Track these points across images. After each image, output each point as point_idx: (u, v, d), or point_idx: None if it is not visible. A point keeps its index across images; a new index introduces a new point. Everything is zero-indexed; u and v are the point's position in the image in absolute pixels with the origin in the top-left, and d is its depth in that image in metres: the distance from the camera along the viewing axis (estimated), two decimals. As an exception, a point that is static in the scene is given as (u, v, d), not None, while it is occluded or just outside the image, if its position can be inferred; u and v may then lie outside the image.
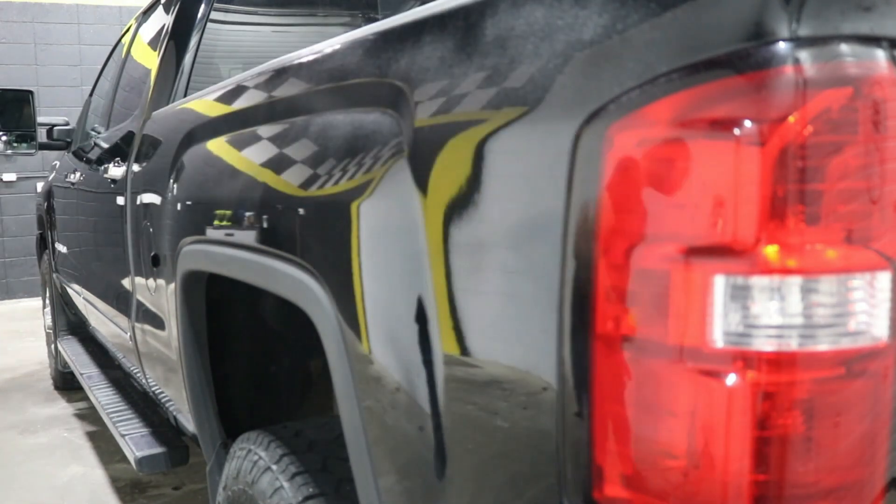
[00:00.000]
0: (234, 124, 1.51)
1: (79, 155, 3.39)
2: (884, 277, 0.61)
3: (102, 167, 2.64)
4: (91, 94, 4.00)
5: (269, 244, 1.26)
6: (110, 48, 3.82)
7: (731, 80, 0.59)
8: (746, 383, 0.60)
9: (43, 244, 4.63)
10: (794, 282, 0.59)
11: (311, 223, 1.13)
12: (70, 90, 7.31)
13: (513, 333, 0.77)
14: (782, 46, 0.58)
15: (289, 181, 1.20)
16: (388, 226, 0.94)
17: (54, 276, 4.16)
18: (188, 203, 1.68)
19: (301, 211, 1.16)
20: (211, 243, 1.51)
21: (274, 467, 1.32)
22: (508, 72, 0.77)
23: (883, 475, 0.64)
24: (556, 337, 0.70)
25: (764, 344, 0.59)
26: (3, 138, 3.71)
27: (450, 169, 0.83)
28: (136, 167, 2.19)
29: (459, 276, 0.82)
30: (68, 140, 3.95)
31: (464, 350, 0.82)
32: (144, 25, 2.89)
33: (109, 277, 2.57)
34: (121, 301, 2.43)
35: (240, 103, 1.53)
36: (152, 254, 1.92)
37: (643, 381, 0.64)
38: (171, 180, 1.78)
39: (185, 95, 2.22)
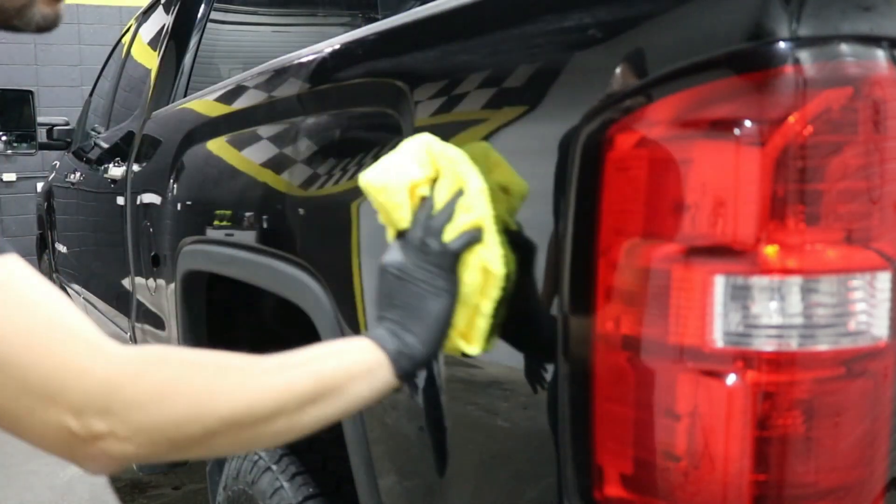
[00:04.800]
0: (234, 124, 1.51)
1: (79, 155, 3.39)
2: (884, 277, 0.60)
3: (102, 167, 2.64)
4: (91, 95, 3.99)
5: (269, 244, 1.26)
6: (110, 48, 3.81)
7: (731, 80, 0.59)
8: (746, 383, 0.60)
9: (43, 244, 4.63)
10: (794, 282, 0.59)
11: (311, 223, 1.13)
12: (70, 90, 7.29)
13: (513, 333, 0.77)
14: (782, 46, 0.58)
15: (289, 181, 1.20)
16: (388, 226, 0.94)
17: (54, 276, 4.16)
18: (188, 203, 1.68)
19: (301, 211, 1.16)
20: (211, 243, 1.50)
21: (274, 467, 1.32)
22: (508, 72, 0.77)
23: (883, 475, 0.64)
24: (556, 337, 0.70)
25: (764, 344, 0.59)
26: (3, 138, 3.70)
27: (450, 169, 0.83)
28: (136, 167, 2.19)
29: (459, 276, 0.82)
30: (68, 140, 3.94)
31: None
32: (144, 25, 2.89)
33: (109, 277, 2.57)
34: (121, 301, 2.43)
35: (240, 103, 1.52)
36: (152, 254, 1.92)
37: (643, 381, 0.64)
38: (172, 180, 1.78)
39: (185, 95, 2.22)
